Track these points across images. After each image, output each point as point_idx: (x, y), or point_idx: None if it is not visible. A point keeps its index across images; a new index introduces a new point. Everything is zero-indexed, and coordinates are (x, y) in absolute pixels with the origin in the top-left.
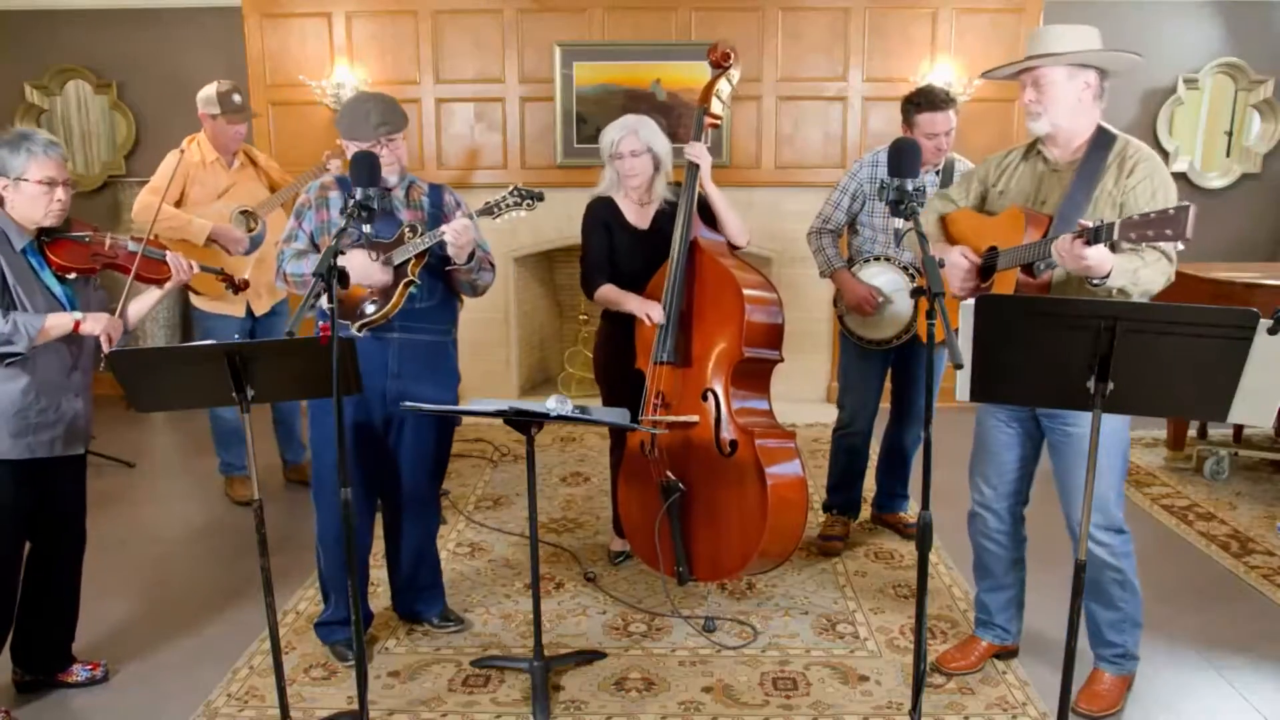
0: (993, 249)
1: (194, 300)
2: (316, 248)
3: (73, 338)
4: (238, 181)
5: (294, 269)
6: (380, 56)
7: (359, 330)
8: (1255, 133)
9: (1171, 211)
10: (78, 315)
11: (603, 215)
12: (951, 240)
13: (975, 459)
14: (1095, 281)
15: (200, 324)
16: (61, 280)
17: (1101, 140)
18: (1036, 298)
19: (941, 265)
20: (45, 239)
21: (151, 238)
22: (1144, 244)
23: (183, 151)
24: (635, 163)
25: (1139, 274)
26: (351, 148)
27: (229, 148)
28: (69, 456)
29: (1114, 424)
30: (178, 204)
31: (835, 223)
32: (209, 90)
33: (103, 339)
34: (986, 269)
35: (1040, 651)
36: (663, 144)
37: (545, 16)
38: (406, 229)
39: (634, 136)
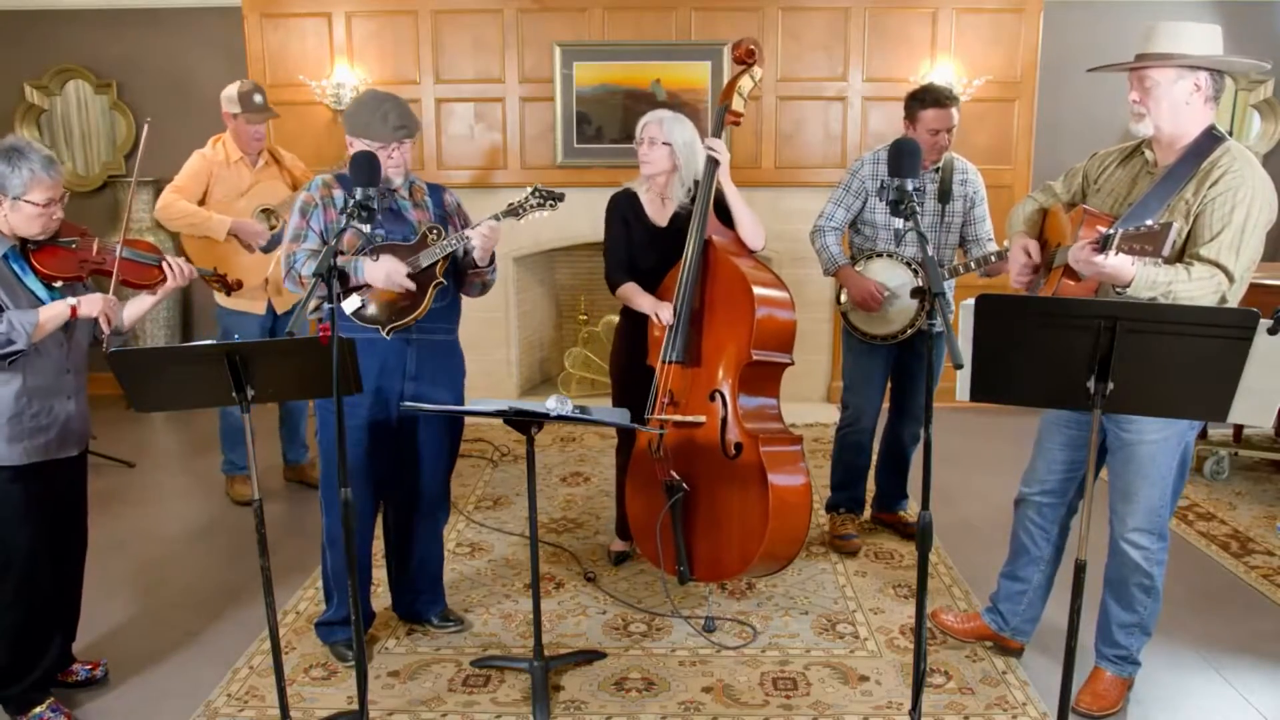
0: (1058, 246)
1: (217, 298)
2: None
3: (64, 339)
4: (261, 180)
5: (311, 270)
6: (380, 56)
7: (388, 334)
8: (1255, 133)
9: (1156, 228)
10: (72, 300)
11: (622, 208)
12: (1045, 233)
13: (1034, 447)
14: (1119, 290)
15: (221, 321)
16: (48, 286)
17: (1202, 146)
18: (1036, 298)
19: (1004, 255)
20: (31, 245)
21: (140, 240)
22: (1144, 258)
23: (205, 154)
24: (650, 151)
25: (1174, 288)
26: (359, 145)
27: (250, 147)
28: (67, 458)
29: (1169, 431)
30: (201, 203)
31: (838, 221)
32: (231, 89)
33: (101, 320)
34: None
35: (1040, 651)
36: (687, 146)
37: (545, 16)
38: (429, 231)
39: (658, 126)
